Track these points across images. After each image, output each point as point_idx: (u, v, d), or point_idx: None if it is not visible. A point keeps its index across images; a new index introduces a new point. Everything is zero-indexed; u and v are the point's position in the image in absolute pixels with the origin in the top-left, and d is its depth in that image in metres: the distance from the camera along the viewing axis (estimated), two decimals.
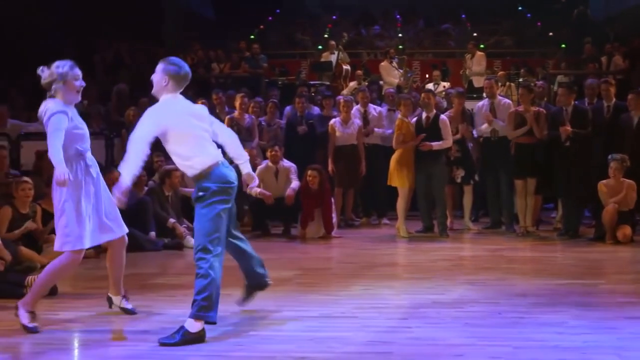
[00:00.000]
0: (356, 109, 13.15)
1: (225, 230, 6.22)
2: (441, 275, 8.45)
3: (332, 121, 12.67)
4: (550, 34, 23.05)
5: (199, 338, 5.78)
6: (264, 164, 12.02)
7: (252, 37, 22.37)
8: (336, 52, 19.13)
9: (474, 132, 12.17)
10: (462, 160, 11.90)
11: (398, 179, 11.53)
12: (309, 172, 11.67)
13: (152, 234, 10.67)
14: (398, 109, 12.20)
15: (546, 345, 5.61)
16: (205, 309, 5.82)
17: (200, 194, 6.10)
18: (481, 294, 7.46)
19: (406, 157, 11.51)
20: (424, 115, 11.64)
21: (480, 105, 12.24)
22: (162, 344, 5.72)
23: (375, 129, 13.00)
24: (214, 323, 5.89)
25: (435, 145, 11.37)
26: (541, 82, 14.05)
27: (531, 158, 11.31)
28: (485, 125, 11.87)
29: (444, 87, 17.15)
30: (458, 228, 12.02)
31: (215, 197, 6.08)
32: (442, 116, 11.65)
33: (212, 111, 13.57)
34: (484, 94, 12.46)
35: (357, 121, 12.69)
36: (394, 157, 11.61)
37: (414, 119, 11.68)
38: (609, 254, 10.08)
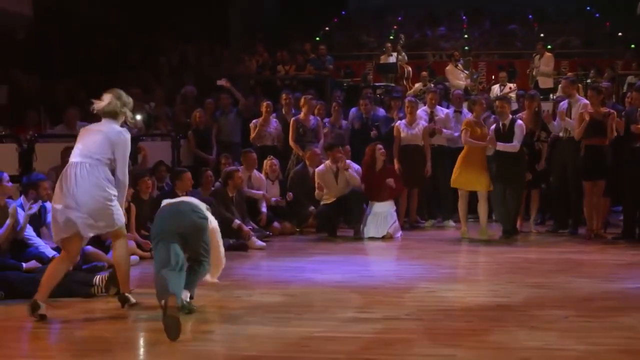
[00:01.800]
0: (423, 110, 13.12)
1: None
2: (506, 278, 8.36)
3: (397, 122, 12.68)
4: (620, 34, 22.70)
5: None
6: (322, 166, 12.04)
7: (317, 38, 22.43)
8: (394, 54, 19.08)
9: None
10: (530, 164, 11.73)
11: (481, 181, 11.37)
12: (378, 147, 11.93)
13: None
14: (472, 109, 12.07)
15: (614, 350, 5.54)
16: None
17: None
18: (547, 297, 7.38)
19: (480, 159, 11.41)
20: (500, 123, 11.43)
21: (561, 104, 12.12)
22: None
23: (444, 130, 12.94)
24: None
25: (500, 145, 11.19)
26: (607, 83, 13.81)
27: (601, 160, 11.13)
28: (556, 124, 11.74)
29: (510, 88, 17.01)
30: (524, 231, 11.88)
31: None
32: (519, 121, 11.40)
33: (278, 112, 13.81)
34: (551, 95, 12.31)
35: (422, 122, 12.67)
36: (466, 162, 11.42)
37: (493, 127, 11.49)
38: None
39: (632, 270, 8.89)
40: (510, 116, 11.47)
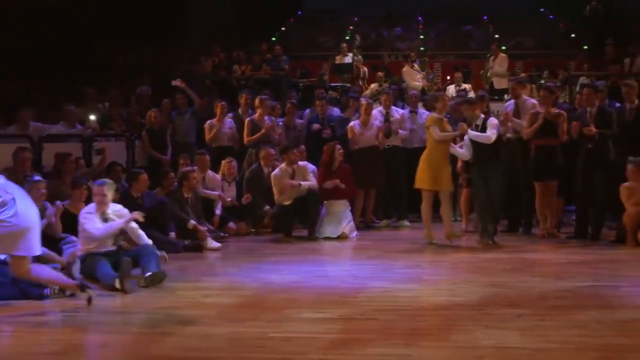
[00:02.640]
0: (378, 110, 13.17)
1: None
2: (462, 278, 8.42)
3: (351, 123, 12.73)
4: (573, 35, 22.95)
5: None
6: (278, 169, 11.98)
7: (273, 38, 22.40)
8: (350, 55, 19.12)
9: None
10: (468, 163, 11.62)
11: (444, 182, 10.94)
12: (337, 147, 11.94)
13: (172, 234, 10.68)
14: (434, 107, 11.51)
15: (567, 348, 5.58)
16: None
17: None
18: (502, 296, 7.43)
19: (443, 158, 10.95)
20: (473, 124, 10.89)
21: (506, 105, 12.18)
22: None
23: (400, 131, 12.98)
24: None
25: (472, 134, 10.66)
26: (552, 83, 13.82)
27: (551, 160, 11.20)
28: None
29: (466, 89, 17.10)
30: (473, 230, 11.84)
31: None
32: (492, 118, 11.07)
33: (235, 112, 13.77)
34: (505, 95, 12.38)
35: (376, 123, 12.73)
36: (430, 161, 10.92)
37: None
38: (630, 256, 9.99)
39: (585, 268, 8.98)
40: (482, 115, 10.98)
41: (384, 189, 13.06)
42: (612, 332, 6.04)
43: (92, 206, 8.53)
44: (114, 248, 8.48)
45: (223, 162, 12.66)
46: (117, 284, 7.72)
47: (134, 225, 8.62)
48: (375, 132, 12.65)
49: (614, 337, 5.88)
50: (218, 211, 12.10)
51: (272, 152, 12.55)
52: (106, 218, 8.46)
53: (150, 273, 8.09)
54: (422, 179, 11.03)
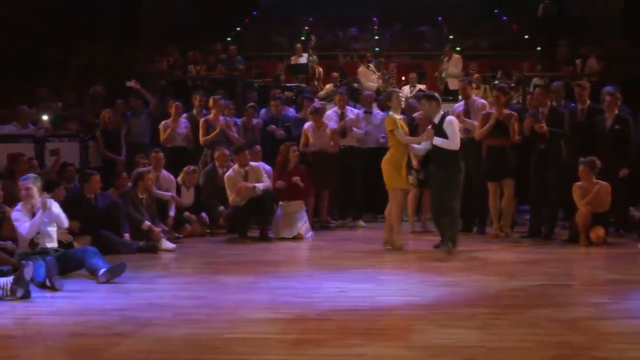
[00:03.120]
0: (333, 110, 13.18)
1: None
2: (417, 277, 8.45)
3: (305, 126, 12.69)
4: (526, 36, 23.15)
5: None
6: (230, 170, 11.89)
7: (228, 39, 22.32)
8: (305, 55, 19.13)
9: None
10: (422, 162, 11.67)
11: (406, 180, 10.67)
12: (292, 148, 11.96)
13: (127, 236, 10.60)
14: (387, 104, 11.20)
15: (522, 347, 5.63)
16: None
17: None
18: (456, 295, 7.48)
19: (404, 157, 10.62)
20: (432, 120, 10.57)
21: (457, 106, 12.26)
22: None
23: (354, 129, 13.00)
24: None
25: (438, 141, 10.27)
26: (506, 84, 13.81)
27: (503, 160, 11.26)
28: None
29: (420, 89, 17.16)
30: (432, 231, 11.78)
31: None
32: (449, 117, 10.56)
33: (190, 112, 13.70)
34: (460, 96, 12.46)
35: (331, 124, 12.72)
36: (396, 162, 10.51)
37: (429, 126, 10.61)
38: (582, 255, 10.16)
39: (538, 267, 9.07)
40: (441, 112, 10.52)
41: (339, 189, 13.06)
42: (565, 330, 6.11)
43: (19, 204, 8.70)
44: (50, 246, 8.66)
45: (185, 169, 12.50)
46: (48, 282, 7.91)
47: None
48: (329, 135, 12.63)
49: (567, 335, 5.95)
50: (172, 213, 12.01)
51: (226, 153, 12.49)
52: (34, 212, 8.60)
53: (107, 268, 8.28)
54: (395, 179, 10.52)
